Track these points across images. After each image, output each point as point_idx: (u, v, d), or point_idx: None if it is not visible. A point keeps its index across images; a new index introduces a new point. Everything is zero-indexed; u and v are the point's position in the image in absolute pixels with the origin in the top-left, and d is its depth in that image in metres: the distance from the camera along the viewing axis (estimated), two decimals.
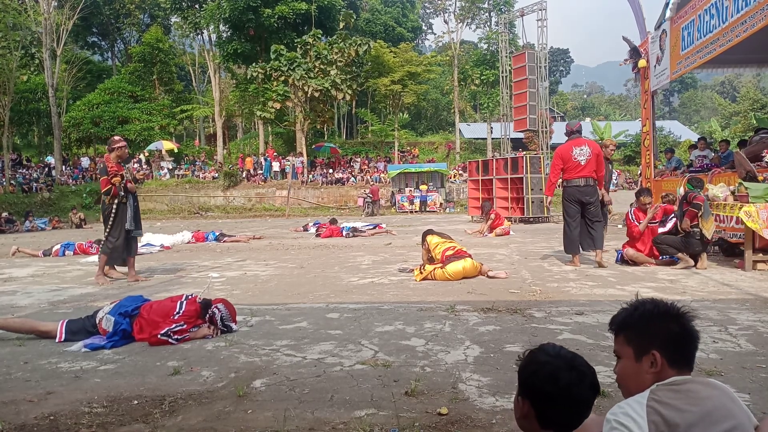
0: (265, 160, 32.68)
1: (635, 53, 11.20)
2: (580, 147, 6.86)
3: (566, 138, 7.22)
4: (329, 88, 30.03)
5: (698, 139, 13.35)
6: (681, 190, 7.51)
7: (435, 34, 63.10)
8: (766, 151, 7.81)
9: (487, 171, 18.09)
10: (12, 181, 28.20)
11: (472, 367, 3.03)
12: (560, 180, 7.09)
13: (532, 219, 16.67)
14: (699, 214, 6.55)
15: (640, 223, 7.05)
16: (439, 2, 44.22)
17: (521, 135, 20.45)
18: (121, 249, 6.66)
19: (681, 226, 6.82)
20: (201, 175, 32.88)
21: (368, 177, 31.56)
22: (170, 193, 29.54)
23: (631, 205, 7.91)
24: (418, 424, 2.30)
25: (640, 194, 7.24)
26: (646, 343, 1.54)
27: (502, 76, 21.23)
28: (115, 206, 6.54)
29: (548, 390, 1.48)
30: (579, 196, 6.86)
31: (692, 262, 6.60)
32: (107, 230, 6.55)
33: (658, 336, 1.53)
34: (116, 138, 6.93)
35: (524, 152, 18.59)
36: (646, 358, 1.52)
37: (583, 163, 6.80)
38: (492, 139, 36.62)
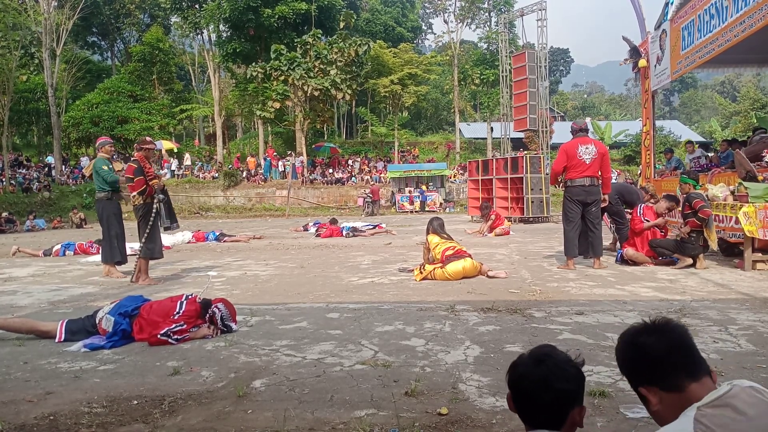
0: (265, 159, 32.72)
1: (635, 53, 11.20)
2: (587, 146, 6.71)
3: (572, 137, 6.99)
4: (329, 87, 30.05)
5: (686, 143, 13.46)
6: (679, 191, 7.51)
7: (435, 34, 63.18)
8: (766, 151, 7.82)
9: (487, 171, 18.10)
10: (12, 181, 28.20)
11: (472, 367, 3.03)
12: (562, 180, 6.96)
13: (532, 219, 16.68)
14: (703, 227, 6.55)
15: (646, 220, 7.05)
16: (439, 2, 44.20)
17: (521, 135, 20.40)
18: (160, 246, 6.76)
19: (680, 229, 6.81)
20: (201, 175, 32.90)
21: (368, 177, 31.58)
22: (170, 192, 29.49)
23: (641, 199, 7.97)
24: (418, 424, 2.30)
25: (669, 198, 7.01)
26: (631, 380, 1.47)
27: (502, 76, 21.20)
28: (155, 207, 6.59)
29: (509, 379, 1.54)
30: (584, 196, 6.71)
31: (691, 261, 6.61)
32: (146, 232, 6.52)
33: (632, 371, 1.45)
34: (147, 138, 7.03)
35: (524, 152, 18.59)
36: (642, 395, 1.43)
37: (588, 162, 6.66)
38: (492, 138, 36.62)
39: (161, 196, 6.65)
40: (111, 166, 7.14)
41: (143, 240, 6.56)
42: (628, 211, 8.02)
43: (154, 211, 6.59)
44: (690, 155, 11.83)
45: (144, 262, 6.62)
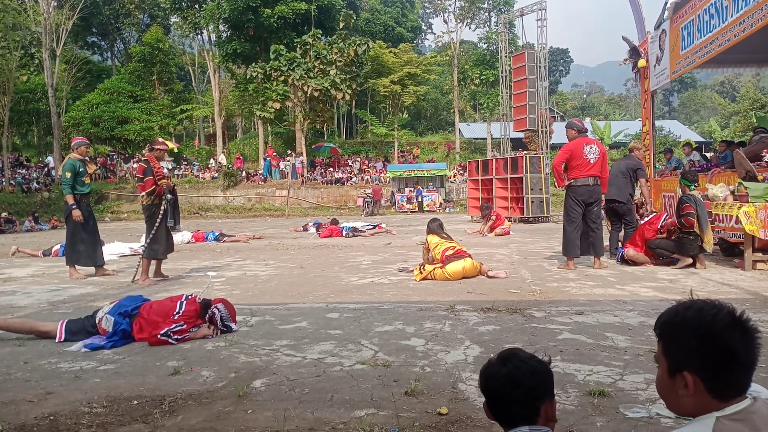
0: (265, 160, 32.74)
1: (635, 53, 11.19)
2: (591, 146, 6.76)
3: (575, 135, 6.91)
4: (329, 87, 30.06)
5: (683, 145, 13.58)
6: (679, 191, 7.50)
7: (435, 34, 63.26)
8: (766, 151, 7.82)
9: (487, 171, 18.10)
10: (11, 182, 28.21)
11: (472, 367, 3.03)
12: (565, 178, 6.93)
13: (531, 219, 16.68)
14: (693, 225, 6.52)
15: (661, 232, 7.01)
16: (439, 2, 44.19)
17: (521, 135, 20.43)
18: (164, 248, 6.74)
19: (676, 233, 6.78)
20: (201, 175, 32.90)
21: (368, 177, 31.58)
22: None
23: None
24: (418, 424, 2.30)
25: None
26: (679, 359, 1.27)
27: (502, 76, 21.21)
28: (163, 207, 6.61)
29: (480, 384, 1.61)
30: (587, 196, 6.72)
31: (691, 261, 6.60)
32: (151, 232, 6.54)
33: (691, 355, 1.24)
34: (159, 139, 7.13)
35: (524, 152, 18.60)
36: (679, 377, 1.26)
37: (592, 162, 6.70)
38: (492, 138, 36.64)
39: (169, 196, 6.68)
40: (83, 169, 7.16)
41: (148, 240, 6.56)
42: None
43: (161, 211, 6.60)
44: (687, 157, 11.92)
45: (146, 262, 6.62)
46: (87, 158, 7.43)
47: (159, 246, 6.64)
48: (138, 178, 6.73)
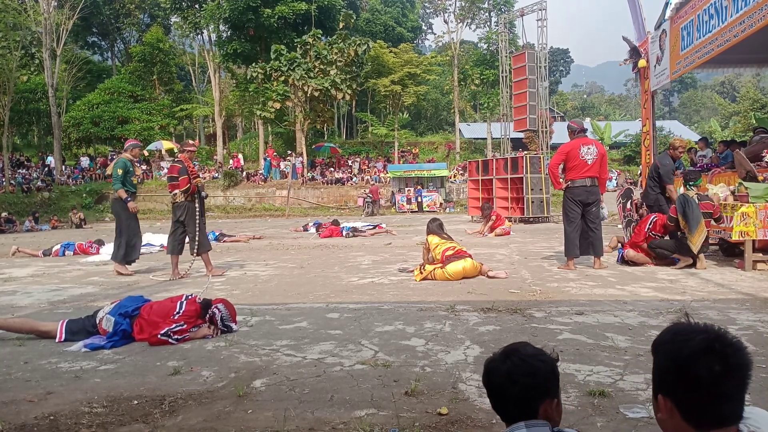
0: (265, 160, 32.73)
1: (635, 53, 11.19)
2: (588, 146, 6.72)
3: (570, 136, 6.96)
4: (329, 87, 30.06)
5: (699, 139, 13.48)
6: (681, 190, 7.49)
7: (435, 34, 63.25)
8: (766, 151, 7.81)
9: (487, 171, 18.09)
10: (12, 181, 28.22)
11: (472, 367, 3.03)
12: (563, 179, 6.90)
13: (532, 219, 16.68)
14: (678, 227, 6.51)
15: (655, 235, 6.98)
16: (439, 2, 44.21)
17: (521, 135, 20.45)
18: (208, 240, 7.15)
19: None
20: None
21: (368, 177, 31.58)
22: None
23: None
24: (418, 424, 2.30)
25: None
26: (655, 382, 1.24)
27: (502, 76, 21.22)
28: (197, 204, 6.90)
29: (482, 376, 1.61)
30: (585, 197, 6.70)
31: (691, 261, 6.59)
32: (196, 229, 6.83)
33: (663, 379, 1.21)
34: (190, 141, 7.70)
35: (524, 152, 18.60)
36: (657, 399, 1.23)
37: (590, 163, 6.66)
38: (492, 139, 36.64)
39: (204, 194, 6.97)
40: (131, 170, 7.48)
41: (197, 236, 6.84)
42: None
43: (197, 208, 6.88)
44: (701, 152, 11.81)
45: (206, 256, 6.97)
46: (137, 160, 7.72)
47: (205, 238, 6.98)
48: (171, 177, 7.00)
